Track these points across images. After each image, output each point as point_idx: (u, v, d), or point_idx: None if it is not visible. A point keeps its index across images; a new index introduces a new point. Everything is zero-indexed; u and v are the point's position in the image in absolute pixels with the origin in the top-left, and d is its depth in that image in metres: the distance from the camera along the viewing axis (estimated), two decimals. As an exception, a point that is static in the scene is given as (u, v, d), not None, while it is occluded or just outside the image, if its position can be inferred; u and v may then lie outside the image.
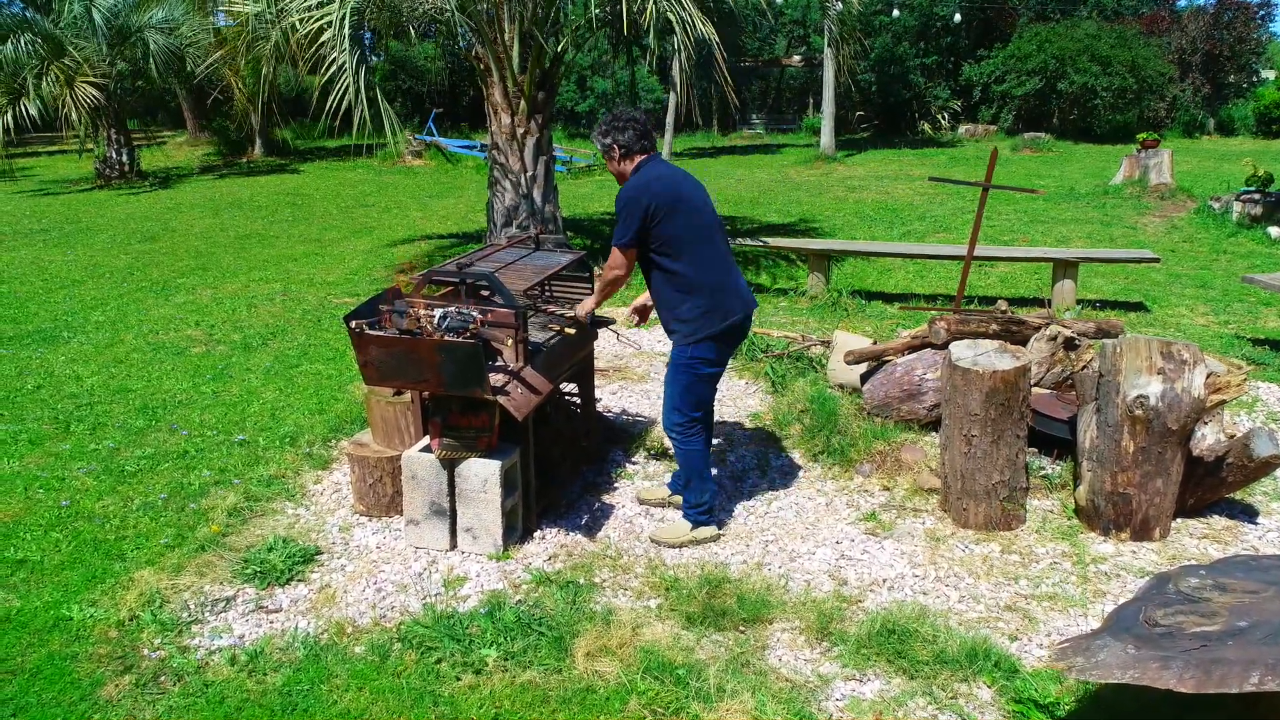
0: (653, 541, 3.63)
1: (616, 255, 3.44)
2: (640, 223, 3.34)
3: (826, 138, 18.32)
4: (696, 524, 3.63)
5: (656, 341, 6.35)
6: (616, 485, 4.16)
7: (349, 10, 6.34)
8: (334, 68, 6.34)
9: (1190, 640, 2.14)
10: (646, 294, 3.73)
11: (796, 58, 24.73)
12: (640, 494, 4.00)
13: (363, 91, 6.22)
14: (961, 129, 22.23)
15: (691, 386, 3.52)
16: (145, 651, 2.97)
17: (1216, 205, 10.45)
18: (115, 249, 10.02)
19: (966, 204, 12.10)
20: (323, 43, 6.40)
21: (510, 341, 3.38)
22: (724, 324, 3.44)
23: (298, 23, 6.60)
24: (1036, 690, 2.67)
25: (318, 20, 6.43)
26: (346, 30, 6.29)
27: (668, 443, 4.55)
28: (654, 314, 3.73)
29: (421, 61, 24.47)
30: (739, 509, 3.93)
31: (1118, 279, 7.90)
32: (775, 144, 22.27)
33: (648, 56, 6.81)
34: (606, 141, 3.48)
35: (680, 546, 3.58)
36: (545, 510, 3.82)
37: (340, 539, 3.69)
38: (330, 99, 6.36)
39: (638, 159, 3.47)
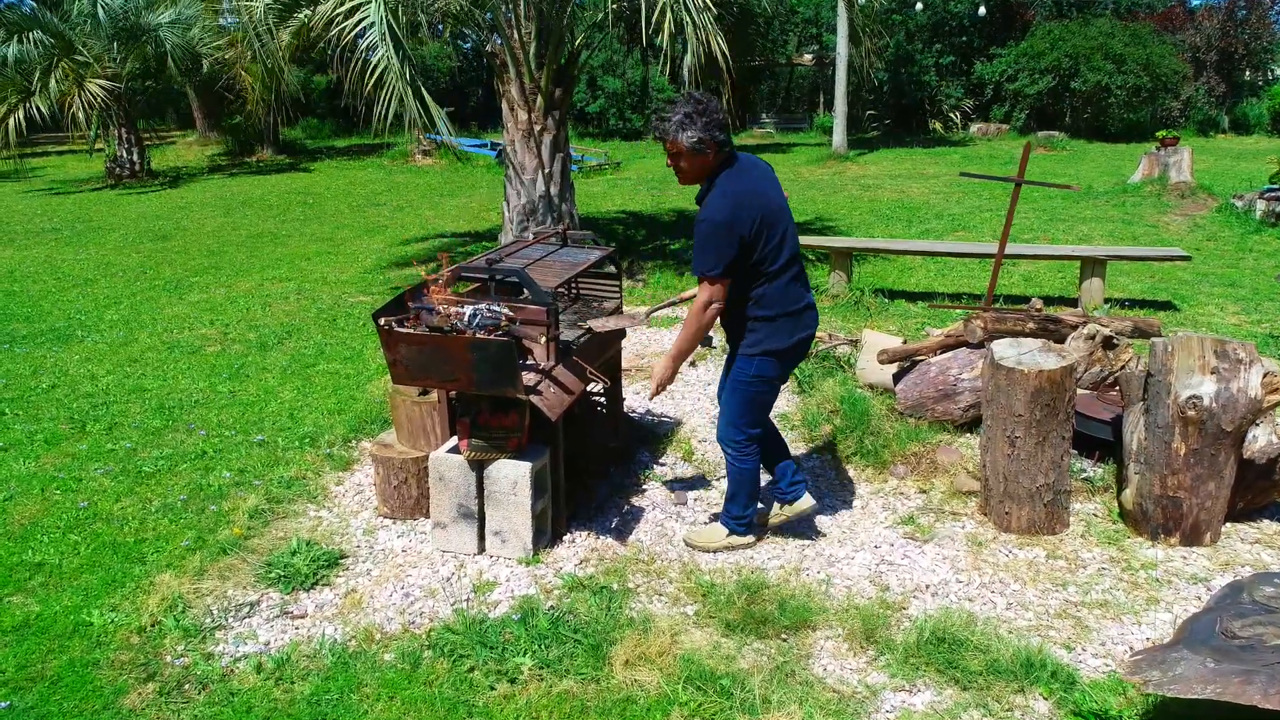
0: (686, 544, 3.52)
1: (709, 290, 3.03)
2: (736, 251, 2.99)
3: (839, 136, 18.18)
4: (734, 533, 3.48)
5: (678, 340, 6.25)
6: (645, 487, 4.06)
7: (385, 7, 6.23)
8: (381, 67, 6.22)
9: (1273, 653, 2.03)
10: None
11: (808, 56, 24.61)
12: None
13: (410, 90, 6.13)
14: (973, 128, 22.08)
15: (751, 403, 3.30)
16: (168, 658, 2.88)
17: (1239, 203, 10.31)
18: (127, 248, 9.96)
19: (984, 202, 11.98)
20: (362, 42, 6.31)
21: (542, 339, 3.28)
22: (791, 339, 3.21)
23: (322, 23, 6.52)
24: (1097, 702, 2.56)
25: (356, 24, 6.32)
26: (389, 27, 6.18)
27: (694, 444, 4.46)
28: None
29: (431, 61, 24.41)
30: (772, 506, 3.82)
31: (1144, 278, 7.78)
32: (786, 143, 22.14)
33: (660, 57, 6.70)
34: (705, 136, 2.99)
35: (715, 551, 3.48)
36: (574, 513, 3.72)
37: (365, 542, 3.60)
38: (384, 99, 6.23)
39: (722, 158, 3.08)
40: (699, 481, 4.09)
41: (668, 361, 3.24)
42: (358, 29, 6.26)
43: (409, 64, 6.22)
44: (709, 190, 3.09)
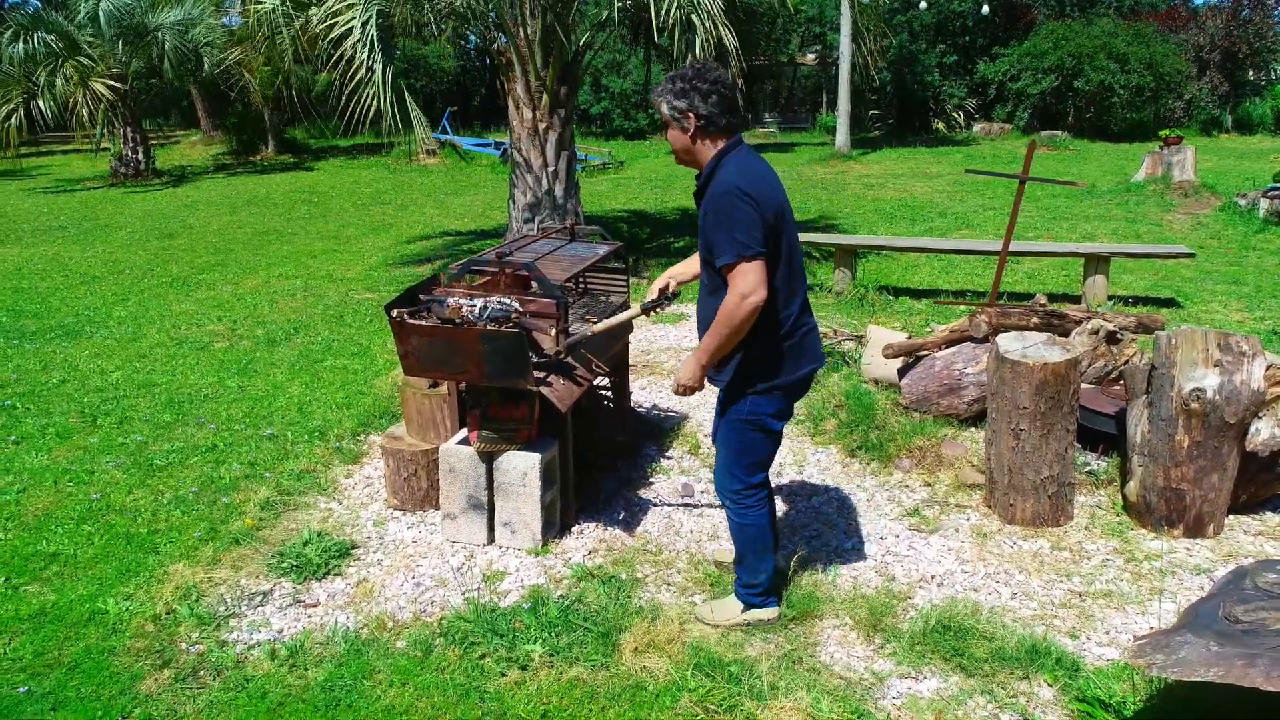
0: (697, 620, 3.00)
1: (748, 275, 2.46)
2: (763, 229, 2.48)
3: (842, 136, 18.20)
4: (749, 606, 2.98)
5: (683, 337, 6.29)
6: (652, 480, 4.09)
7: (374, 14, 6.33)
8: (361, 71, 6.33)
9: (1275, 637, 2.06)
10: (671, 274, 3.05)
11: (810, 56, 24.63)
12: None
13: (389, 94, 6.23)
14: (976, 127, 22.08)
15: (750, 445, 2.80)
16: (183, 645, 2.91)
17: (1243, 202, 10.33)
18: (134, 245, 10.01)
19: (988, 200, 12.00)
20: (344, 46, 6.40)
21: (552, 332, 3.31)
22: (798, 373, 2.73)
23: (317, 26, 6.61)
24: (1101, 689, 2.59)
25: (343, 26, 6.41)
26: (372, 33, 6.29)
27: (700, 437, 4.49)
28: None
29: (435, 60, 24.47)
30: (779, 505, 3.86)
31: (1147, 275, 7.80)
32: (789, 142, 22.17)
33: (663, 54, 6.78)
34: (680, 105, 2.54)
35: (729, 629, 2.95)
36: (582, 506, 3.76)
37: (375, 533, 3.63)
38: (361, 101, 6.36)
39: (722, 142, 2.60)
40: (706, 475, 4.12)
41: (694, 367, 2.70)
42: (345, 26, 6.36)
43: (389, 66, 6.35)
44: (715, 172, 2.59)
